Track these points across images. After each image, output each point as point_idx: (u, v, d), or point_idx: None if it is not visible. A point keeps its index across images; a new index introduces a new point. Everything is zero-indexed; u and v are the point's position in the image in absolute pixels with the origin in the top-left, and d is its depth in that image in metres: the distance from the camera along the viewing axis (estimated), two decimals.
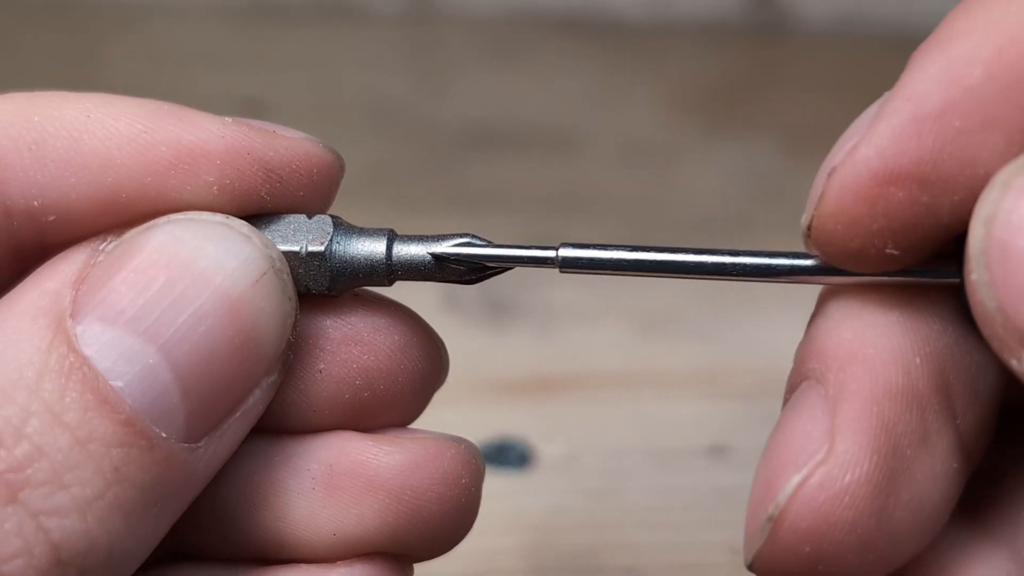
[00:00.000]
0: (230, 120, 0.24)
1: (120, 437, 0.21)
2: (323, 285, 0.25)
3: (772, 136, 0.65)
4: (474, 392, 0.43)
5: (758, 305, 0.50)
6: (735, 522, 0.39)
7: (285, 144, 0.25)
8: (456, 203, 0.56)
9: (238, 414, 0.23)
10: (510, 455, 0.42)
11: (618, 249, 0.24)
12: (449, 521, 0.26)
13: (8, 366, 0.21)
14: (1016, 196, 0.20)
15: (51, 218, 0.24)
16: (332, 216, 0.25)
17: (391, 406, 0.26)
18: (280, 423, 0.25)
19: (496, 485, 0.40)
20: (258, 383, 0.23)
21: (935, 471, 0.22)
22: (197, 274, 0.22)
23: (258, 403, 0.23)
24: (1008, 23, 0.21)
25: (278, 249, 0.24)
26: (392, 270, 0.25)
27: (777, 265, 0.24)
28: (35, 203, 0.23)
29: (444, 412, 0.43)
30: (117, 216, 0.24)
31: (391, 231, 0.25)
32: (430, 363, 0.27)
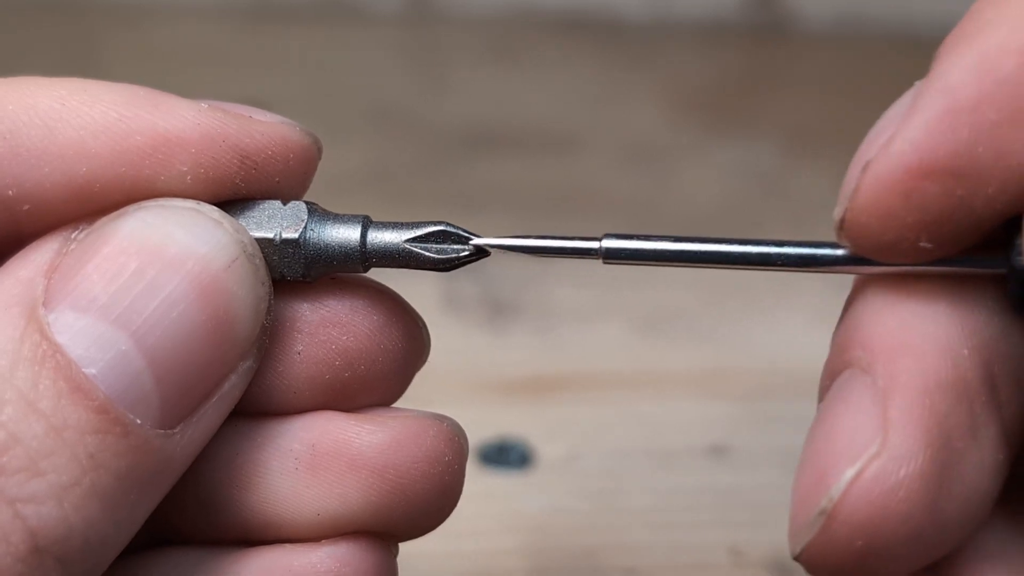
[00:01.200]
0: (205, 105, 0.24)
1: (95, 424, 0.21)
2: (298, 272, 0.25)
3: (772, 136, 0.65)
4: (474, 392, 0.43)
5: (758, 305, 0.50)
6: (735, 522, 0.39)
7: (261, 129, 0.25)
8: (456, 203, 0.56)
9: (214, 399, 0.23)
10: (510, 455, 0.42)
11: (662, 240, 0.25)
12: (432, 499, 0.26)
13: None
14: None
15: (25, 207, 0.23)
16: (307, 202, 0.25)
17: (372, 386, 0.26)
18: (261, 405, 0.25)
19: (496, 485, 0.40)
20: (233, 368, 0.23)
21: (983, 463, 0.22)
22: (168, 260, 0.22)
23: (234, 388, 0.23)
24: None
25: (250, 234, 0.24)
26: (367, 257, 0.25)
27: (821, 255, 0.24)
28: (9, 192, 0.23)
29: (444, 412, 0.43)
30: (91, 205, 0.24)
31: (366, 218, 0.25)
32: (410, 342, 0.26)
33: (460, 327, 0.47)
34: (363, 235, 0.25)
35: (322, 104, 0.69)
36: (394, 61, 0.73)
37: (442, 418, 0.27)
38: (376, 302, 0.26)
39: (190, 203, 0.23)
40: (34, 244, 0.23)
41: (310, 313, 0.25)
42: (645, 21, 0.77)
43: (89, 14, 0.74)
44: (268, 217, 0.25)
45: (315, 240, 0.25)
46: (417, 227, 0.25)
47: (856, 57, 0.72)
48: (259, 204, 0.25)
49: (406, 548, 0.38)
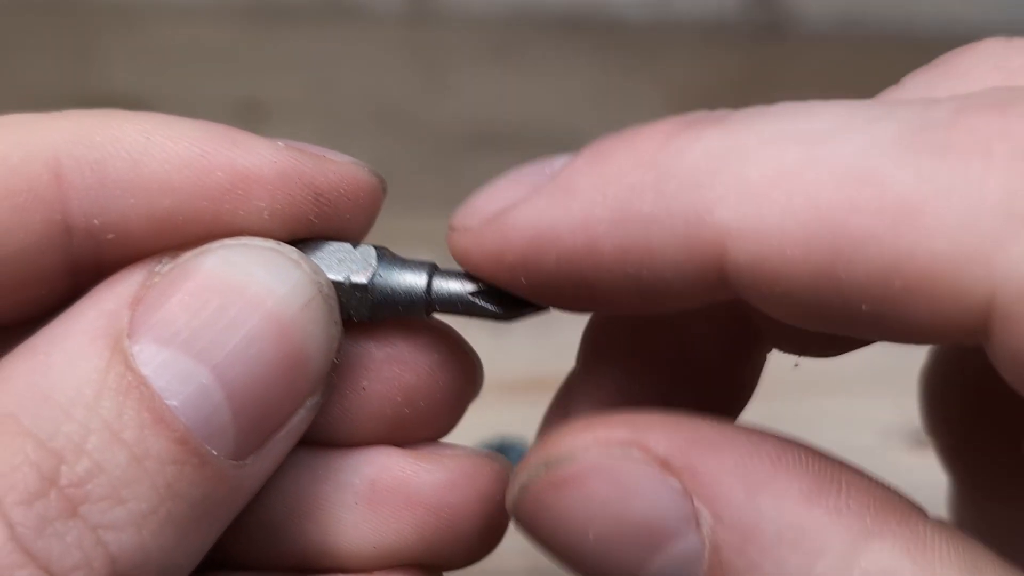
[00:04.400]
0: (282, 144, 0.25)
1: (174, 454, 0.22)
2: (364, 314, 0.25)
3: None
4: None
5: None
6: None
7: (334, 168, 0.25)
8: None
9: (283, 432, 0.24)
10: (510, 455, 0.41)
11: None
12: (482, 535, 0.27)
13: (68, 384, 0.22)
14: None
15: (109, 237, 0.24)
16: (376, 247, 0.26)
17: (429, 421, 0.27)
18: (326, 437, 0.26)
19: None
20: (303, 403, 0.24)
21: None
22: (249, 298, 0.23)
23: (302, 422, 0.24)
24: None
25: (326, 275, 0.24)
26: (431, 304, 0.26)
27: None
28: (95, 222, 0.24)
29: None
30: (172, 238, 0.24)
31: (432, 265, 0.26)
32: (466, 380, 0.28)
33: (460, 328, 0.47)
34: (429, 283, 0.25)
35: (322, 104, 0.69)
36: (394, 61, 0.74)
37: (495, 457, 0.28)
38: (436, 340, 0.27)
39: (270, 243, 0.24)
40: (118, 275, 0.24)
41: (375, 351, 0.26)
42: (645, 21, 0.77)
43: (89, 14, 0.74)
44: (339, 260, 0.25)
45: (382, 285, 0.25)
46: (481, 280, 0.25)
47: (857, 57, 0.72)
48: (330, 245, 0.25)
49: None
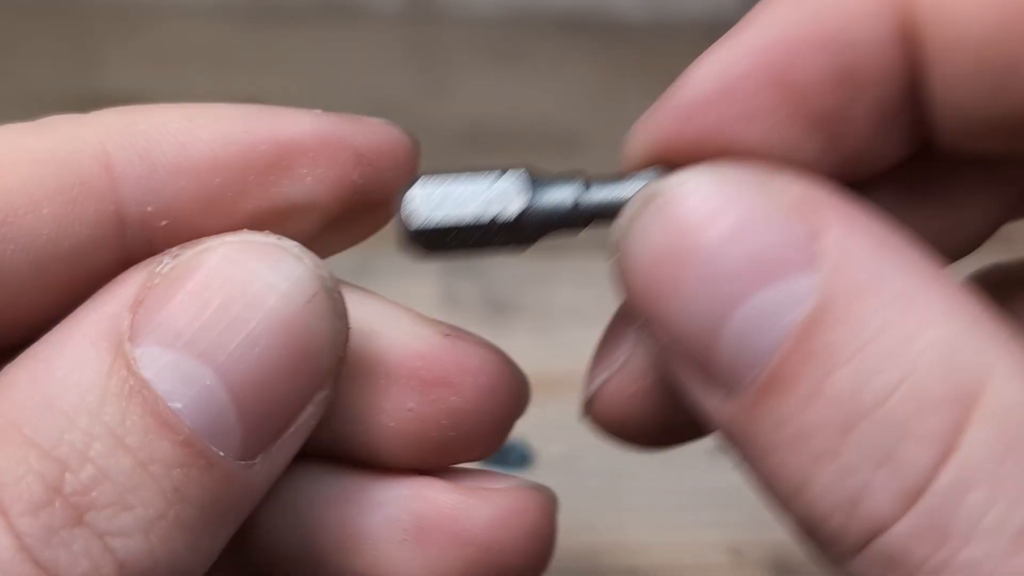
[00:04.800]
0: (319, 112, 0.26)
1: (180, 458, 0.22)
2: (519, 243, 0.24)
3: None
4: None
5: None
6: (735, 522, 0.39)
7: (371, 129, 0.26)
8: None
9: (292, 430, 0.23)
10: (510, 455, 0.41)
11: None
12: (529, 568, 0.27)
13: (70, 391, 0.22)
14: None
15: (163, 223, 0.24)
16: (524, 169, 0.25)
17: (475, 444, 0.27)
18: (368, 457, 0.26)
19: None
20: (311, 399, 0.24)
21: None
22: (251, 296, 0.23)
23: (311, 418, 0.24)
24: None
25: (328, 269, 0.24)
26: (588, 218, 0.24)
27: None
28: (148, 209, 0.24)
29: None
30: (223, 217, 0.24)
31: (581, 175, 0.25)
32: (514, 403, 0.27)
33: (460, 327, 0.47)
34: (581, 196, 0.24)
35: (322, 104, 0.69)
36: (394, 61, 0.73)
37: (541, 489, 0.27)
38: (486, 363, 0.27)
39: (272, 238, 0.24)
40: (120, 277, 0.23)
41: (424, 371, 0.26)
42: (645, 21, 0.77)
43: (89, 14, 0.74)
44: (487, 191, 0.24)
45: (535, 209, 0.24)
46: (628, 177, 0.24)
47: None
48: (477, 175, 0.25)
49: None
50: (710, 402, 0.21)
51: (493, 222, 0.24)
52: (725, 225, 0.21)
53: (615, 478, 0.41)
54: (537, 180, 0.25)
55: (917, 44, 0.22)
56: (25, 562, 0.20)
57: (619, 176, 0.24)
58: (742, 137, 0.22)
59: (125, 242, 0.24)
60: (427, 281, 0.47)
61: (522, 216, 0.24)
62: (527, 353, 0.49)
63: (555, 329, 0.48)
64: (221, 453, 0.22)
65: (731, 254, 0.21)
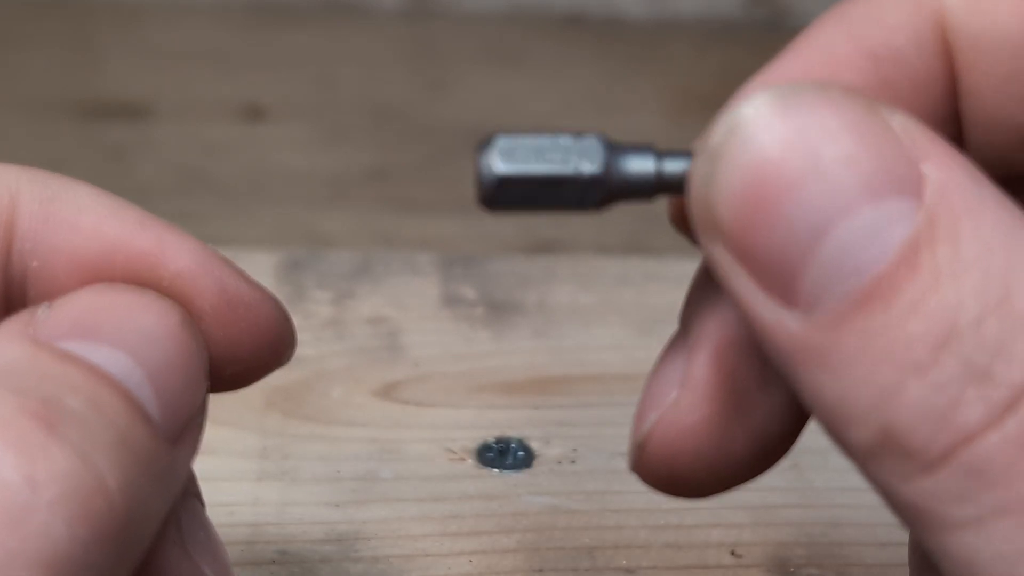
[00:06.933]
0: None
1: (123, 408, 0.23)
2: (594, 204, 0.25)
3: None
4: (474, 392, 0.43)
5: None
6: (735, 522, 0.39)
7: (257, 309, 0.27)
8: (456, 203, 0.56)
9: (194, 424, 0.25)
10: (510, 455, 0.41)
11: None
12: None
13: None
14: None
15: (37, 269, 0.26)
16: (599, 137, 0.25)
17: None
18: None
19: (496, 485, 0.40)
20: (203, 392, 0.25)
21: (774, 408, 0.25)
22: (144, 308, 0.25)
23: (201, 414, 0.25)
24: None
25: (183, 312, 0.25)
26: (661, 187, 0.25)
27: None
28: (34, 264, 0.26)
29: (445, 412, 0.43)
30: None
31: (654, 147, 0.25)
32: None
33: (460, 327, 0.47)
34: (658, 166, 0.25)
35: (322, 104, 0.69)
36: (394, 61, 0.73)
37: None
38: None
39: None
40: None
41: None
42: (645, 20, 0.77)
43: (89, 14, 0.74)
44: (564, 152, 0.25)
45: (612, 174, 0.24)
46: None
47: None
48: (553, 137, 0.25)
49: (406, 548, 0.38)
50: (781, 322, 0.21)
51: (575, 177, 0.24)
52: (840, 140, 0.21)
53: (615, 478, 0.41)
54: (613, 145, 0.25)
55: (950, 54, 0.22)
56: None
57: (686, 151, 0.25)
58: None
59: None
60: (427, 281, 0.47)
61: (605, 174, 0.24)
62: (527, 353, 0.49)
63: (555, 329, 0.48)
64: (153, 417, 0.23)
65: (842, 170, 0.21)
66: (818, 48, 0.23)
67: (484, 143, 0.25)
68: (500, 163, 0.25)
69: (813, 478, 0.40)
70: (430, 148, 0.64)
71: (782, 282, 0.21)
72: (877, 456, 0.21)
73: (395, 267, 0.47)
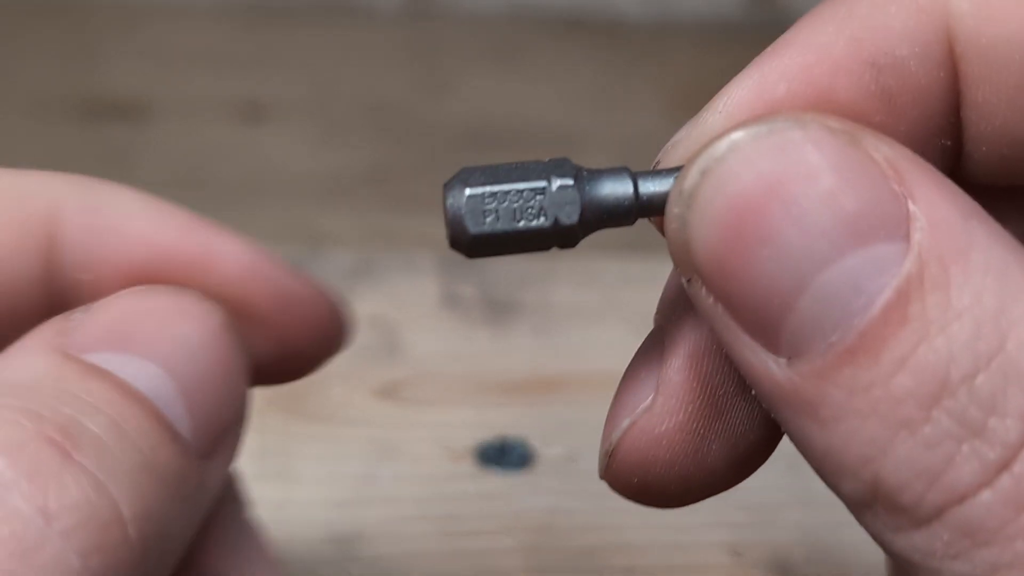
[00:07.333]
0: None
1: (148, 426, 0.22)
2: (573, 243, 0.23)
3: None
4: (474, 392, 0.43)
5: None
6: (735, 522, 0.39)
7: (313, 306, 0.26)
8: None
9: (228, 438, 0.24)
10: (510, 455, 0.42)
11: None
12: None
13: (23, 379, 0.22)
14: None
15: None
16: (572, 172, 0.24)
17: None
18: None
19: (496, 485, 0.40)
20: (242, 403, 0.24)
21: (752, 415, 0.24)
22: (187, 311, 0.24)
23: (239, 426, 0.24)
24: None
25: (238, 336, 0.24)
26: (641, 210, 0.24)
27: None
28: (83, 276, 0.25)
29: (445, 412, 0.43)
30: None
31: (627, 170, 0.24)
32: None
33: (460, 327, 0.47)
34: (635, 189, 0.24)
35: (322, 104, 0.69)
36: (394, 61, 0.73)
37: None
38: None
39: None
40: (39, 327, 0.24)
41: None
42: (645, 21, 0.77)
43: (89, 14, 0.74)
44: (538, 201, 0.23)
45: (590, 209, 0.23)
46: (674, 171, 0.23)
47: None
48: (523, 170, 0.24)
49: (406, 548, 0.38)
50: (766, 366, 0.20)
51: (550, 227, 0.23)
52: (821, 181, 0.20)
53: None
54: (587, 175, 0.24)
55: (955, 64, 0.22)
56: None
57: (663, 171, 0.24)
58: None
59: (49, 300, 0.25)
60: (427, 281, 0.47)
61: (580, 219, 0.23)
62: (527, 353, 0.49)
63: (555, 329, 0.48)
64: (183, 434, 0.22)
65: (824, 213, 0.19)
66: (815, 48, 0.22)
67: (450, 184, 0.24)
68: (469, 224, 0.23)
69: (813, 478, 0.40)
70: (430, 148, 0.64)
71: (764, 329, 0.20)
72: (869, 508, 0.20)
73: (395, 266, 0.47)
